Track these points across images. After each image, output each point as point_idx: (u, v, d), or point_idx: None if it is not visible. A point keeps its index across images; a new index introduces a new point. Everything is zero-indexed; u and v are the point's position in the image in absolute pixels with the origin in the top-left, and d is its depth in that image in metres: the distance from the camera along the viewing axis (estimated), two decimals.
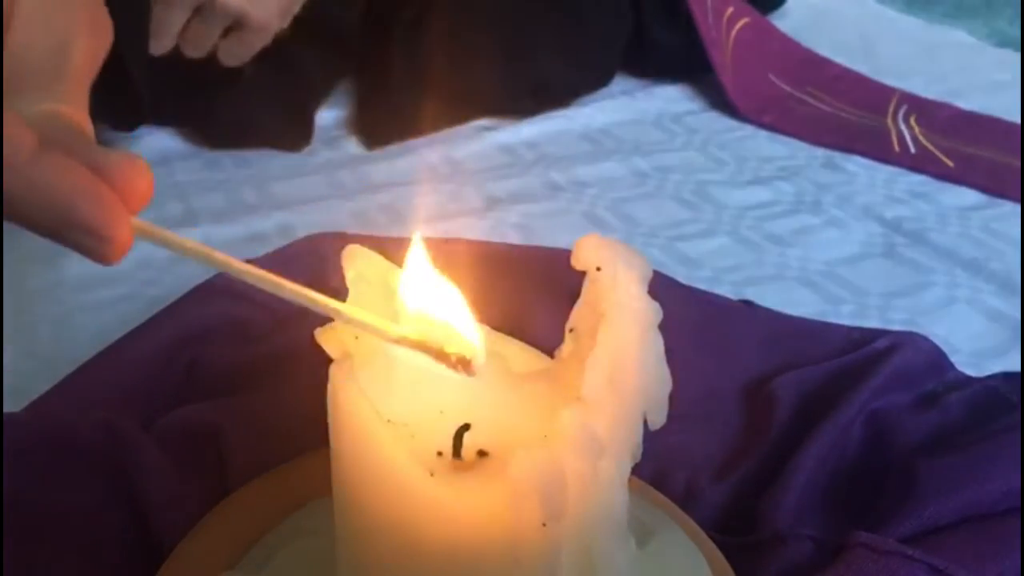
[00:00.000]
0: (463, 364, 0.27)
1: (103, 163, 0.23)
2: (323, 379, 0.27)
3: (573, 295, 0.29)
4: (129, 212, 0.24)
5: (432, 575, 0.26)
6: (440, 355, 0.27)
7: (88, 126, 0.25)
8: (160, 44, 0.62)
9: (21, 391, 0.43)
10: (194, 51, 0.65)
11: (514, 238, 0.61)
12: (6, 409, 0.41)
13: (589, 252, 0.28)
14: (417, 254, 0.28)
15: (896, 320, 0.55)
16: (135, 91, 0.61)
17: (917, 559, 0.33)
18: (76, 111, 0.25)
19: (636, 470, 0.28)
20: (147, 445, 0.38)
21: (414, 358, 0.27)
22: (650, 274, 0.28)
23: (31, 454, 0.37)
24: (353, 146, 0.74)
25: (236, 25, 0.64)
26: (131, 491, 0.37)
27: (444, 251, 0.52)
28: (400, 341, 0.27)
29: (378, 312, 0.28)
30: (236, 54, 0.66)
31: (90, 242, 0.23)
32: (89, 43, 0.25)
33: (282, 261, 0.50)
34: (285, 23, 0.66)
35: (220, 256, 0.25)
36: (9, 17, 0.24)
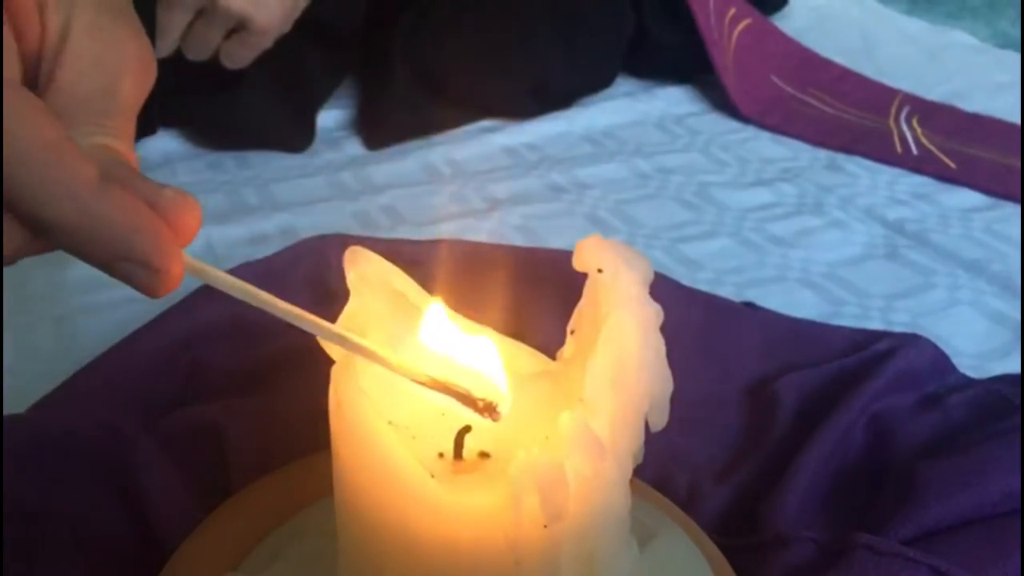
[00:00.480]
0: (489, 409, 0.27)
1: (157, 198, 0.24)
2: (325, 380, 0.27)
3: (575, 297, 0.29)
4: (179, 246, 0.24)
5: None
6: (467, 399, 0.27)
7: (135, 161, 0.26)
8: (163, 47, 0.62)
9: (23, 392, 0.43)
10: (196, 54, 0.65)
11: (516, 239, 0.61)
12: (9, 410, 0.41)
13: (590, 254, 0.28)
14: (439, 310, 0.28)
15: (898, 322, 0.54)
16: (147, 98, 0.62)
17: (919, 561, 0.33)
18: (124, 146, 0.25)
19: (638, 471, 0.28)
20: (149, 446, 0.38)
21: (438, 398, 0.27)
22: (651, 276, 0.28)
23: (34, 455, 0.37)
24: (355, 147, 0.74)
25: (238, 28, 0.64)
26: (133, 492, 0.37)
27: (446, 253, 0.52)
28: (431, 384, 0.27)
29: (383, 318, 0.28)
30: (238, 57, 0.66)
31: (143, 274, 0.24)
32: (136, 80, 0.26)
33: (284, 263, 0.50)
34: (287, 26, 0.66)
35: (264, 296, 0.26)
36: (60, 54, 0.25)
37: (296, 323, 0.27)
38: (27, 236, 0.23)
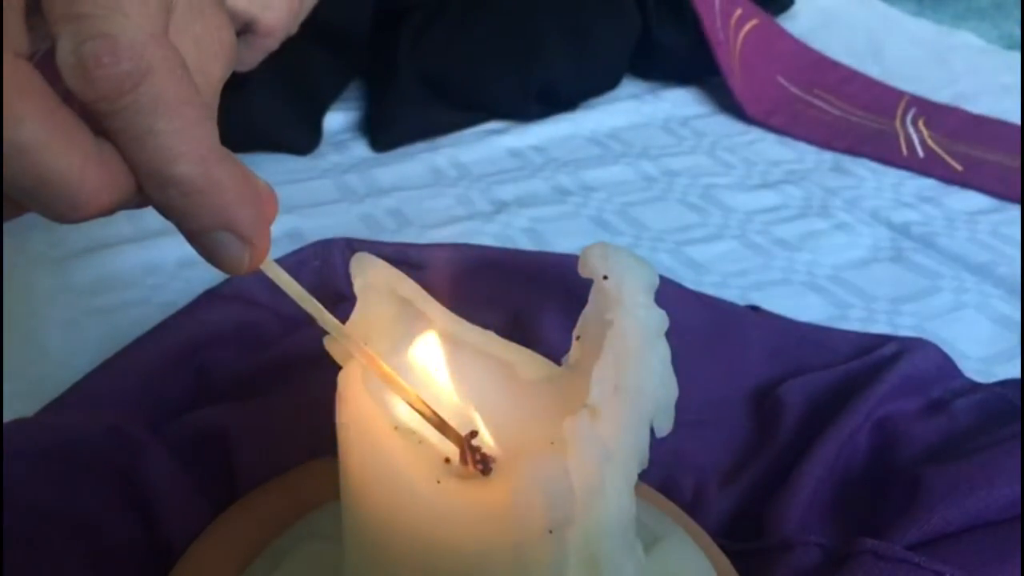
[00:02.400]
0: (484, 461, 0.27)
1: (254, 178, 0.25)
2: (332, 385, 0.28)
3: (580, 301, 0.29)
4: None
5: None
6: (465, 445, 0.27)
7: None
8: None
9: (30, 395, 0.44)
10: None
11: (521, 242, 0.61)
12: (17, 414, 0.41)
13: (596, 260, 0.28)
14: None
15: (904, 325, 0.54)
16: None
17: (924, 566, 0.33)
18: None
19: (643, 476, 0.28)
20: (156, 450, 0.38)
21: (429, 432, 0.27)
22: (656, 282, 0.28)
23: (43, 458, 0.37)
24: (361, 149, 0.74)
25: (245, 30, 0.64)
26: (140, 496, 0.37)
27: (452, 257, 0.53)
28: (440, 427, 0.27)
29: (389, 325, 0.28)
30: (245, 59, 0.66)
31: (236, 247, 0.24)
32: (225, 64, 0.27)
33: (290, 267, 0.50)
34: (294, 28, 0.66)
35: (315, 303, 0.27)
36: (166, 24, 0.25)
37: (331, 330, 0.27)
38: (134, 189, 0.23)
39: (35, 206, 0.22)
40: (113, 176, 0.23)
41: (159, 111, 0.22)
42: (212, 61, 0.26)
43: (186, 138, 0.23)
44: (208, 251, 0.24)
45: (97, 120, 0.22)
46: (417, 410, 0.27)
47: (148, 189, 0.23)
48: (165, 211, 0.24)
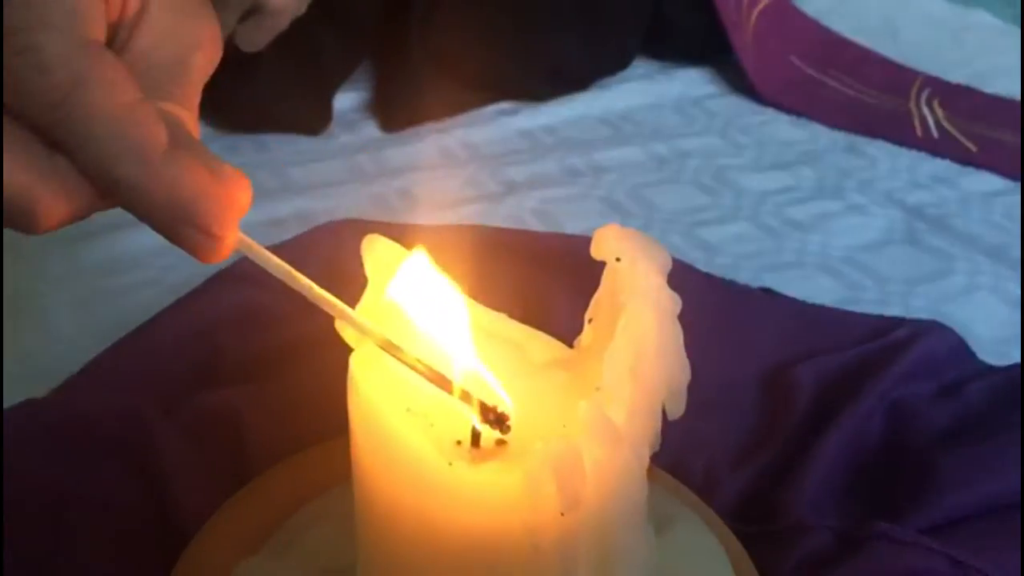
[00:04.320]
0: (500, 420, 0.27)
1: (218, 168, 0.25)
2: (343, 366, 0.28)
3: (593, 283, 0.29)
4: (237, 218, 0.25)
5: (451, 563, 0.27)
6: (483, 408, 0.27)
7: (197, 132, 0.26)
8: None
9: (42, 376, 0.44)
10: None
11: (532, 224, 0.61)
12: (29, 394, 0.42)
13: (609, 242, 0.28)
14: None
15: (917, 307, 0.54)
16: None
17: (936, 550, 0.33)
18: (189, 116, 0.26)
19: (655, 458, 0.28)
20: (169, 431, 0.38)
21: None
22: (670, 264, 0.28)
23: (55, 439, 0.38)
24: (372, 129, 0.74)
25: (254, 9, 0.64)
26: (153, 477, 0.37)
27: (463, 238, 0.52)
28: (443, 384, 0.27)
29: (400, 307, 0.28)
30: (254, 39, 0.66)
31: (201, 239, 0.24)
32: (207, 55, 0.27)
33: (301, 248, 0.50)
34: (303, 8, 0.66)
35: (303, 280, 0.27)
36: (138, 21, 0.26)
37: (327, 309, 0.27)
38: (95, 195, 0.24)
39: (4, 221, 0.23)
40: (68, 188, 0.23)
41: (94, 118, 0.22)
42: (191, 51, 0.26)
43: (126, 141, 0.23)
44: (176, 243, 0.25)
45: (43, 133, 0.23)
46: (420, 373, 0.27)
47: (103, 193, 0.24)
48: (127, 211, 0.24)
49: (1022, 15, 0.96)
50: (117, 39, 0.26)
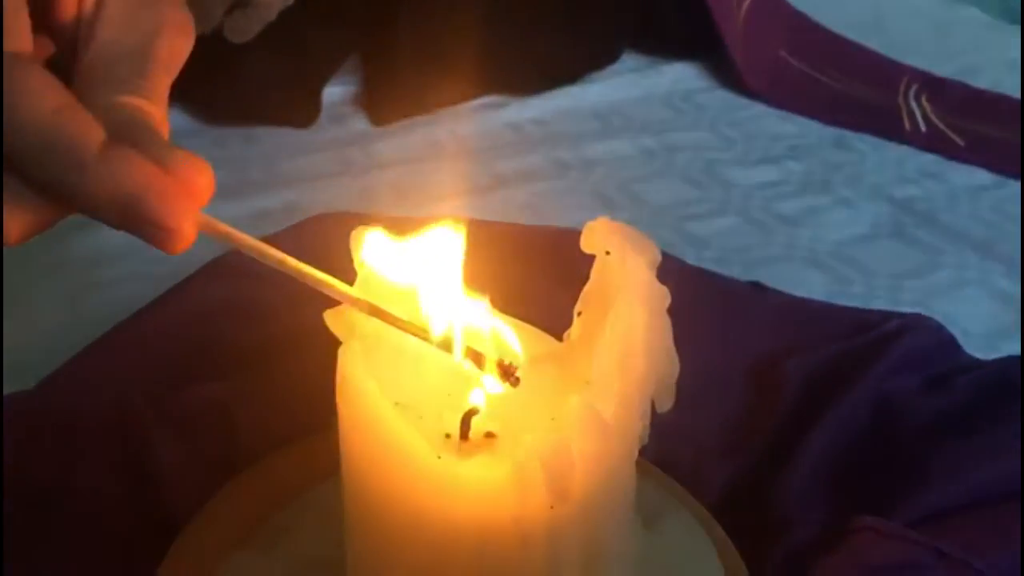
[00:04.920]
0: (508, 372, 0.27)
1: (167, 158, 0.24)
2: (332, 359, 0.27)
3: (582, 277, 0.29)
4: (192, 206, 0.25)
5: (439, 556, 0.27)
6: (480, 360, 0.27)
7: (165, 122, 0.26)
8: None
9: (31, 368, 0.44)
10: (199, 27, 0.64)
11: (521, 217, 0.61)
12: (17, 387, 0.41)
13: (598, 236, 0.28)
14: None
15: (905, 301, 0.54)
16: None
17: (923, 543, 0.33)
18: (154, 106, 0.26)
19: (643, 452, 0.28)
20: (157, 424, 0.38)
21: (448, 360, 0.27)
22: (659, 259, 0.28)
23: (42, 432, 0.37)
24: (360, 123, 0.73)
25: (242, 1, 0.64)
26: (142, 469, 0.37)
27: (451, 231, 0.52)
28: (442, 345, 0.27)
29: (389, 300, 0.28)
30: (242, 30, 0.65)
31: (156, 233, 0.24)
32: (173, 42, 0.27)
33: (289, 241, 0.50)
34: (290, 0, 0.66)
35: (274, 253, 0.27)
36: (97, 15, 0.26)
37: (307, 282, 0.27)
38: (50, 205, 0.24)
39: None
40: (23, 203, 0.24)
41: (23, 129, 0.23)
42: (150, 40, 0.26)
43: (56, 147, 0.23)
44: (140, 238, 0.25)
45: None
46: (412, 332, 0.27)
47: (55, 202, 0.24)
48: (83, 214, 0.24)
49: (1023, 14, 0.96)
50: (81, 33, 0.26)
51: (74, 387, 0.41)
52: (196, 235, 0.25)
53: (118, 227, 0.24)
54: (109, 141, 0.24)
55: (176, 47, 0.27)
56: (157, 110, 0.26)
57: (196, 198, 0.25)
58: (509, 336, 0.28)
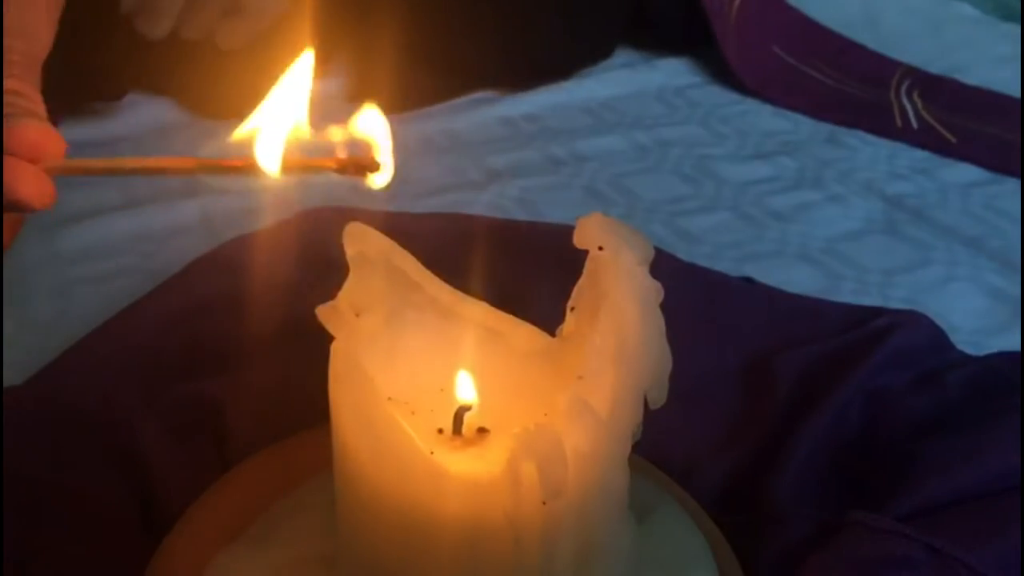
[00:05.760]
0: (363, 166, 0.26)
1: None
2: (324, 355, 0.27)
3: (575, 272, 0.29)
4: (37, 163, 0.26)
5: (432, 552, 0.27)
6: (338, 163, 0.27)
7: (40, 101, 0.28)
8: (159, 26, 0.62)
9: (20, 364, 0.43)
10: (192, 33, 0.64)
11: (514, 212, 0.61)
12: (7, 382, 0.41)
13: (591, 231, 0.28)
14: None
15: (896, 297, 0.54)
16: (113, 60, 0.62)
17: (914, 538, 0.33)
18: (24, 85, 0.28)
19: (636, 447, 0.28)
20: (148, 419, 0.38)
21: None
22: (652, 254, 0.28)
23: (32, 428, 0.37)
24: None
25: (233, 9, 0.63)
26: (133, 465, 0.37)
27: (444, 227, 0.52)
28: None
29: (383, 294, 0.28)
30: (234, 38, 0.65)
31: (13, 203, 0.26)
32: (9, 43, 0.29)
33: (282, 235, 0.50)
34: (283, 7, 0.65)
35: (129, 162, 0.29)
36: None
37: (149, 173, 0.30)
38: None
39: None
40: None
41: None
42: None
43: None
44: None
45: None
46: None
47: None
48: None
49: (1023, 14, 0.96)
50: None
51: (64, 382, 0.41)
52: (50, 187, 0.27)
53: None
54: None
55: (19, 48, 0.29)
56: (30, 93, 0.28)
57: (37, 155, 0.27)
58: (376, 130, 0.27)
